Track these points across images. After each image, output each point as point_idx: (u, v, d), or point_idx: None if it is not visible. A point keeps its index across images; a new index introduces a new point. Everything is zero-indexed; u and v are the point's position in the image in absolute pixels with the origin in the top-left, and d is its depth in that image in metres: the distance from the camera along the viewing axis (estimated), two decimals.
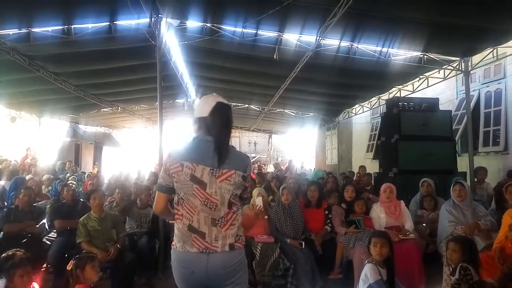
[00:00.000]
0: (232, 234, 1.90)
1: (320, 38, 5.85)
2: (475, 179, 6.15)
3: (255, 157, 23.69)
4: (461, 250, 2.78)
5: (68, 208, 4.67)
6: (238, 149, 2.39)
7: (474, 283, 2.64)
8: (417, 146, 6.04)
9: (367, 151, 12.44)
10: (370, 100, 10.70)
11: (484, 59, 6.56)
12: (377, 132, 11.52)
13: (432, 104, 6.54)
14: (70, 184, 5.01)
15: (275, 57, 6.55)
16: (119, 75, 8.77)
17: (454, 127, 7.27)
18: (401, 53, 6.84)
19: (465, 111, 7.23)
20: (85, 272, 2.69)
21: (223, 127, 1.92)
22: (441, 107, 6.93)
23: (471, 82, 7.01)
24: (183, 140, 2.01)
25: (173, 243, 1.94)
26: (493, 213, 4.62)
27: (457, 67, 6.85)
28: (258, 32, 6.24)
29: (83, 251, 3.40)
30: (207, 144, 1.90)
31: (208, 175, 1.87)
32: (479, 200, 5.11)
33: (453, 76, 7.42)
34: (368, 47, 6.59)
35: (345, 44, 6.49)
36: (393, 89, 9.17)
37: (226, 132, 1.94)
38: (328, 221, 4.69)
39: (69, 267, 2.74)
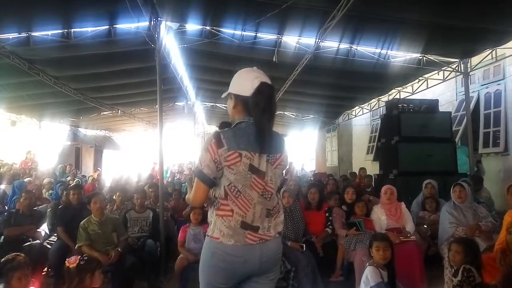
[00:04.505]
0: (281, 222, 1.84)
1: (319, 40, 5.86)
2: None
3: None
4: (464, 252, 2.77)
5: (73, 212, 4.64)
6: None
7: (477, 285, 2.63)
8: (417, 148, 6.04)
9: (367, 153, 12.43)
10: (369, 102, 10.71)
11: (483, 60, 6.58)
12: (377, 134, 11.53)
13: (431, 106, 6.55)
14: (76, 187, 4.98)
15: (274, 59, 6.56)
16: (119, 78, 8.78)
17: (454, 128, 7.27)
18: (400, 55, 6.85)
19: (464, 112, 7.24)
20: (94, 277, 2.61)
21: (267, 110, 1.78)
22: (441, 109, 6.94)
23: (470, 84, 7.03)
24: (226, 125, 1.83)
25: (216, 237, 1.74)
26: (495, 215, 4.61)
27: (457, 68, 6.86)
28: (257, 34, 6.26)
29: (84, 255, 3.37)
30: (254, 129, 1.76)
31: (265, 163, 1.76)
32: (483, 202, 5.10)
33: (452, 78, 7.43)
34: (367, 49, 6.61)
35: (344, 46, 6.50)
36: (393, 90, 9.19)
37: (270, 115, 1.80)
38: (329, 223, 4.68)
39: (72, 264, 2.59)
